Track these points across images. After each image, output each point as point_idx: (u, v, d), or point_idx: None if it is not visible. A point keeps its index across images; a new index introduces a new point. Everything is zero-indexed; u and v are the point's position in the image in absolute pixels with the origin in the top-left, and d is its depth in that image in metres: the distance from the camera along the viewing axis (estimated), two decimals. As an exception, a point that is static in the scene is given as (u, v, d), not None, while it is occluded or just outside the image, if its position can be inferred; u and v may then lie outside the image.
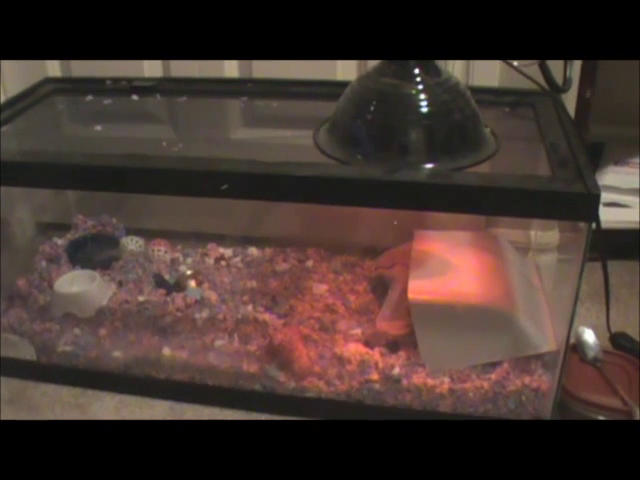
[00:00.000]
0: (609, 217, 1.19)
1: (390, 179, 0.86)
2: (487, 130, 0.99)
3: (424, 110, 0.92)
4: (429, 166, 0.91)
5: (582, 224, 0.86)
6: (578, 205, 0.82)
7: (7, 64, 1.35)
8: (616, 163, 1.47)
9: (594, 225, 0.84)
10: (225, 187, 0.88)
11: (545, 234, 1.29)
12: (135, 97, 1.22)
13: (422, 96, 0.92)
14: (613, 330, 1.12)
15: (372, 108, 0.94)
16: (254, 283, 1.24)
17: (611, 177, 1.42)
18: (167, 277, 1.25)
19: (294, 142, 1.13)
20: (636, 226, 1.33)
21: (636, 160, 1.46)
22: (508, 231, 1.28)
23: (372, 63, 0.98)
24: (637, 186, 1.38)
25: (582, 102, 1.26)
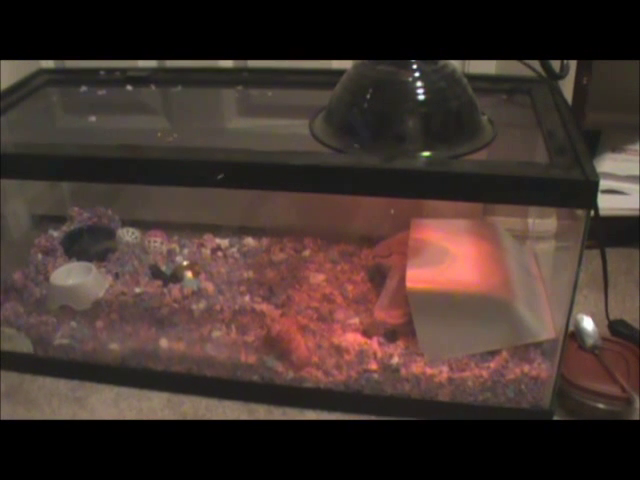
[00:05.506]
0: (607, 204, 1.19)
1: (387, 167, 0.85)
2: (484, 117, 0.99)
3: (421, 98, 0.92)
4: (426, 154, 0.91)
5: (580, 211, 0.86)
6: (576, 192, 0.82)
7: (0, 56, 1.34)
8: (614, 150, 1.46)
9: (592, 212, 0.83)
10: (221, 177, 0.87)
11: (543, 222, 1.29)
12: (129, 87, 1.21)
13: (419, 83, 0.92)
14: (611, 317, 1.12)
15: (368, 96, 0.93)
16: (251, 273, 1.24)
17: (609, 164, 1.42)
18: (163, 268, 1.25)
19: (290, 131, 1.12)
20: (634, 213, 1.33)
21: (634, 147, 1.46)
22: (506, 219, 1.27)
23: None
24: (635, 173, 1.38)
25: (579, 89, 1.26)
